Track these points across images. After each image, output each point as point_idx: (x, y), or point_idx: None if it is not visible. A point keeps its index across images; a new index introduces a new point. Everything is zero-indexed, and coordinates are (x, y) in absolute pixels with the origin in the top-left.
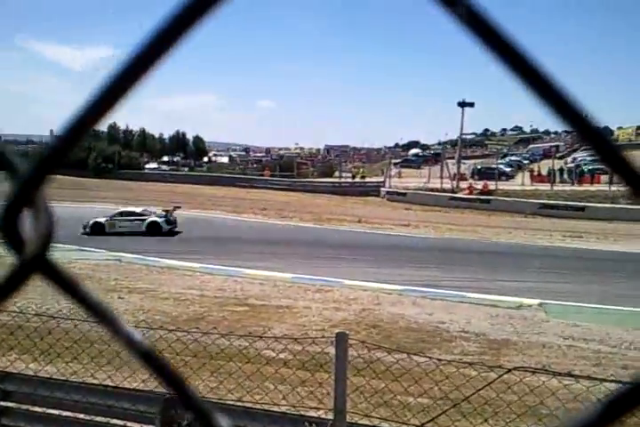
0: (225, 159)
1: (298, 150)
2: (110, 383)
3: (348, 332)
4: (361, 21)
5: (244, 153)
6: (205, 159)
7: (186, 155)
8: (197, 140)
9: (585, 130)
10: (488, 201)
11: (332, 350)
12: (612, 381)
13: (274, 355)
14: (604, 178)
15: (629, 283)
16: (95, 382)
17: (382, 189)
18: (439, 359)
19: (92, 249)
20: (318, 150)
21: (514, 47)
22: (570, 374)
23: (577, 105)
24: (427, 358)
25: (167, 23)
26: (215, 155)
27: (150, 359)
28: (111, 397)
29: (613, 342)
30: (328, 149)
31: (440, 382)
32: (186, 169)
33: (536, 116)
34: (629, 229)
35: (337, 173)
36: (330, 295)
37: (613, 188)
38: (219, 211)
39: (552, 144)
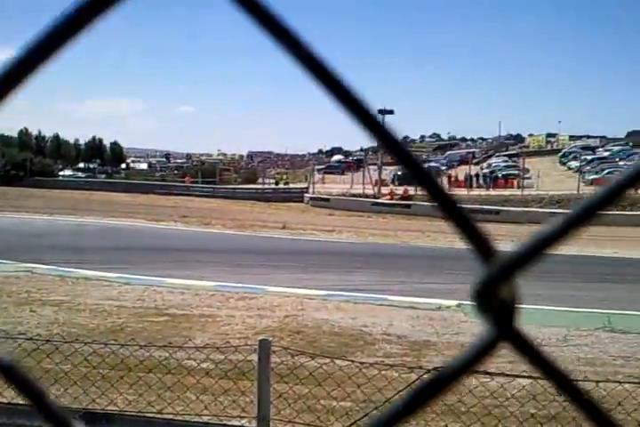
0: (144, 166)
1: (220, 156)
2: (21, 401)
3: (271, 339)
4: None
5: (164, 159)
6: (123, 166)
7: (103, 161)
8: (115, 146)
9: (381, 137)
10: (408, 206)
11: (255, 358)
12: (524, 376)
13: (195, 365)
14: (517, 182)
15: (539, 283)
16: (4, 400)
17: (306, 195)
18: (361, 363)
19: (0, 260)
20: (241, 156)
21: (310, 53)
22: (485, 372)
23: (370, 109)
24: (349, 362)
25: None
26: (134, 161)
27: (11, 373)
28: (21, 416)
29: None
30: (251, 155)
31: (362, 385)
32: (103, 176)
33: (453, 124)
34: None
35: (260, 180)
36: (253, 303)
37: (525, 192)
38: (136, 219)
39: (468, 151)
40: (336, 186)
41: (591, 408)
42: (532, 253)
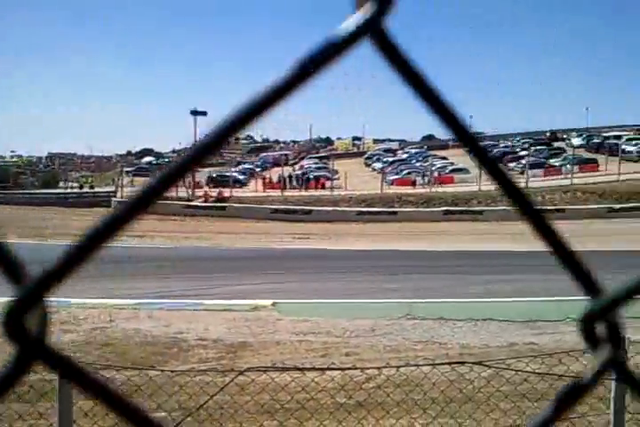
0: None
1: (14, 158)
2: None
3: (72, 354)
4: (89, 19)
5: None
6: None
7: None
8: None
9: None
10: (223, 208)
11: (55, 377)
12: (334, 369)
13: None
14: (328, 183)
15: (347, 278)
16: None
17: (114, 199)
18: (172, 371)
19: None
20: (40, 158)
21: None
22: (297, 368)
23: None
24: (160, 372)
25: None
26: None
27: None
28: None
29: (338, 332)
30: (51, 156)
31: (175, 394)
32: None
33: (266, 126)
34: (347, 229)
35: (62, 184)
36: (56, 317)
37: (335, 192)
38: None
39: (282, 153)
40: None
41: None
42: (61, 271)
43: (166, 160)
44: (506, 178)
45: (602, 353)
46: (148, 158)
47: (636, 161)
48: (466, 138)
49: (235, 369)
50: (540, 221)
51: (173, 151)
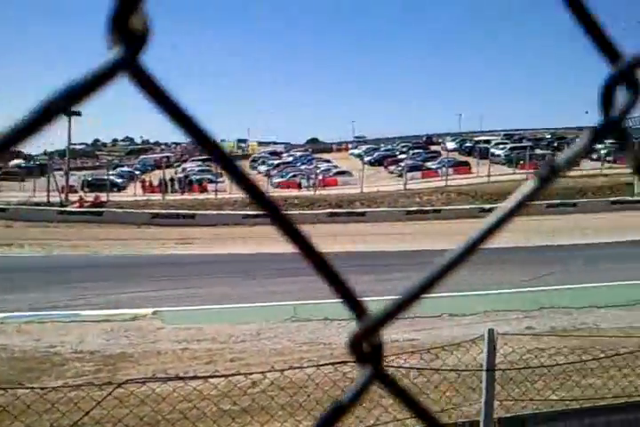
0: None
1: None
2: None
3: None
4: None
5: None
6: None
7: None
8: None
9: None
10: (100, 213)
11: None
12: (216, 376)
13: None
14: (211, 186)
15: (232, 282)
16: None
17: None
18: (42, 387)
19: None
20: None
21: None
22: (178, 377)
23: None
24: (29, 389)
25: None
26: None
27: None
28: None
29: (222, 338)
30: None
31: (47, 412)
32: None
33: (147, 128)
34: (232, 233)
35: None
36: None
37: (219, 195)
38: None
39: (163, 155)
40: (16, 194)
41: None
42: None
43: (37, 163)
44: (252, 184)
45: (366, 371)
46: (16, 161)
47: (503, 164)
48: (215, 152)
49: (112, 382)
50: (290, 230)
51: (45, 153)
